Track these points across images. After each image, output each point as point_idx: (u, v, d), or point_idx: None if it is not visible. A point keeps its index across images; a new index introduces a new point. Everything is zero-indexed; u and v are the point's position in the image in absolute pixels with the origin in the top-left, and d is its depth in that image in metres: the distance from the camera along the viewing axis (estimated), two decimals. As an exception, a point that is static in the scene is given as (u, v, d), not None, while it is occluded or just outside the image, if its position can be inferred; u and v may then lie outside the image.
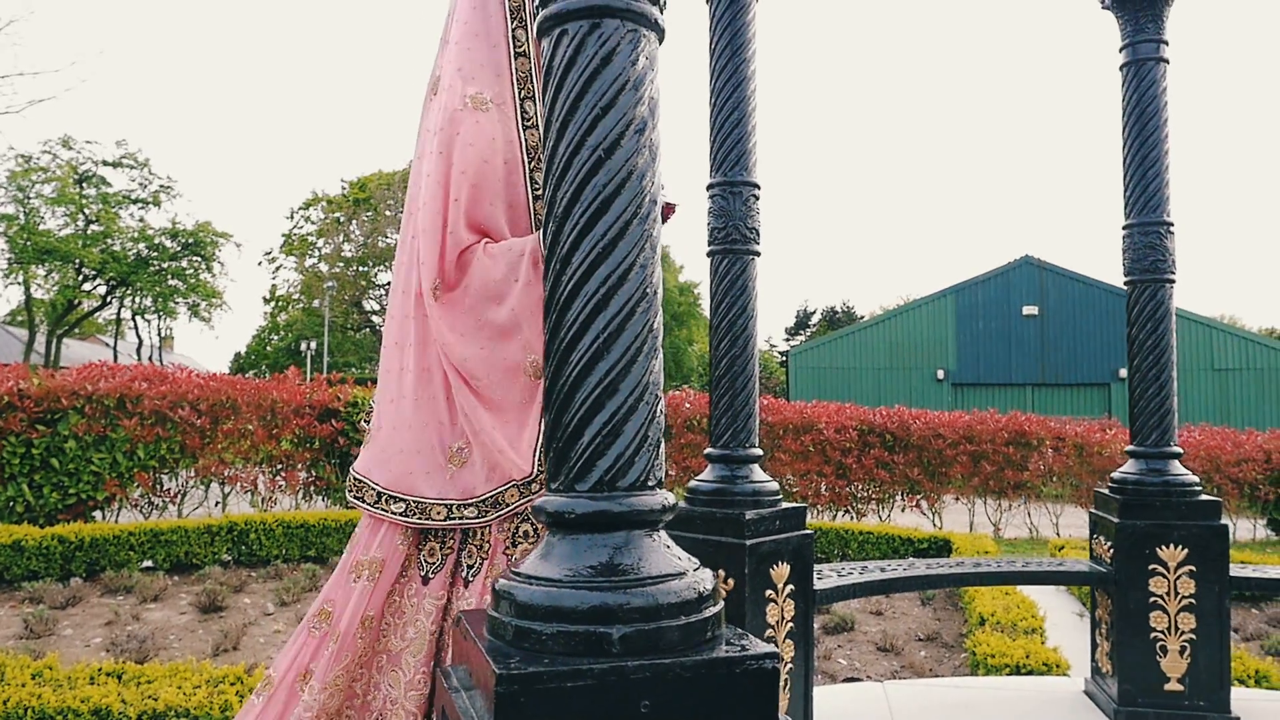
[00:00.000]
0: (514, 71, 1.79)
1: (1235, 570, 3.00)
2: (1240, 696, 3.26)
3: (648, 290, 1.09)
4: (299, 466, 8.72)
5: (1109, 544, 3.08)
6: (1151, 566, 2.98)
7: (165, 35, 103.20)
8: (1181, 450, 3.11)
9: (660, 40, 1.15)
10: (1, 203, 28.39)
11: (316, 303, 39.46)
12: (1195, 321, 27.93)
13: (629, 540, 1.05)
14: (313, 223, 41.05)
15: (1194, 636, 2.94)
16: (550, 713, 0.91)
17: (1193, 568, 2.96)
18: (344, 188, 40.59)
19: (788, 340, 60.18)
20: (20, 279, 29.83)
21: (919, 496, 10.73)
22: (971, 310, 28.61)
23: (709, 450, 2.63)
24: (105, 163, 30.71)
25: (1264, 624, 6.33)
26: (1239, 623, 6.23)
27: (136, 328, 37.72)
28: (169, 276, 32.52)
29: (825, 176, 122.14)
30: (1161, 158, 3.18)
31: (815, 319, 61.68)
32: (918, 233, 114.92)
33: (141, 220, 31.93)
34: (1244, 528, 11.84)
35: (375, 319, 41.94)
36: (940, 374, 28.58)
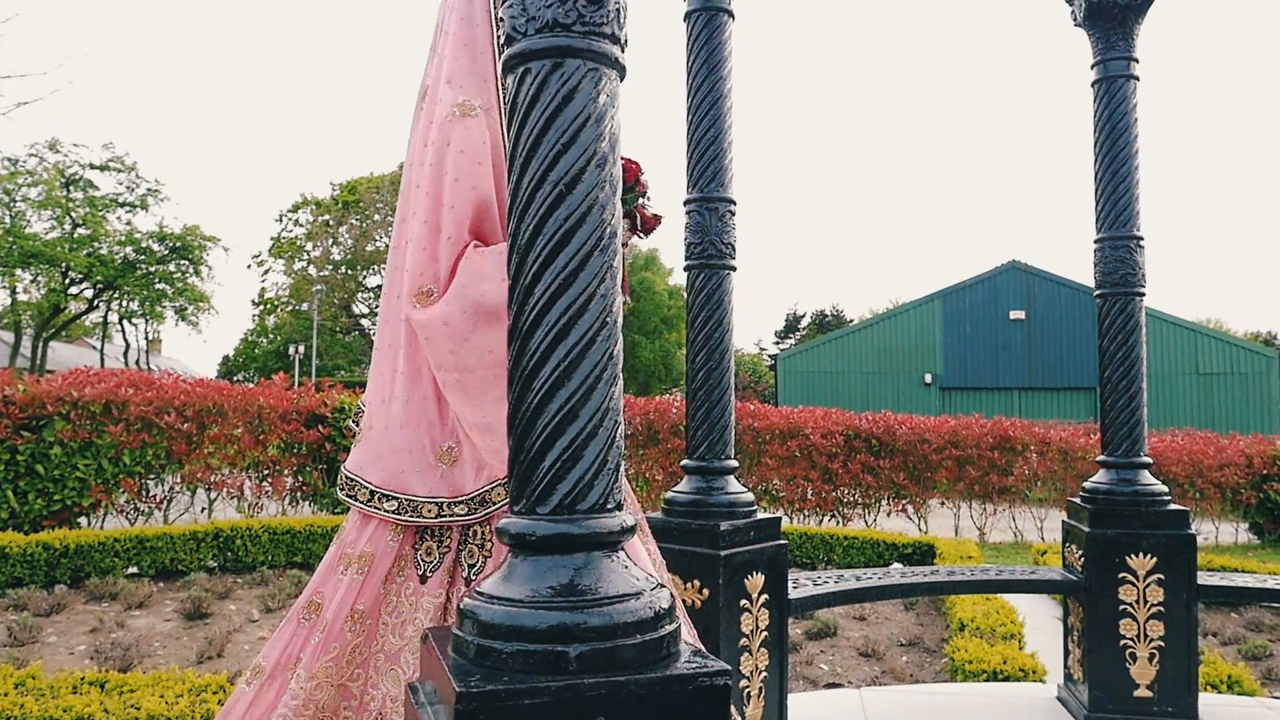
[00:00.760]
0: (499, 79, 1.83)
1: (1203, 579, 3.06)
2: (1209, 702, 3.32)
3: (608, 319, 1.13)
4: (285, 472, 8.73)
5: (1080, 552, 3.14)
6: (1121, 575, 3.04)
7: (154, 38, 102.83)
8: (1151, 460, 3.17)
9: (621, 78, 1.19)
10: (-13, 206, 28.27)
11: (305, 306, 39.35)
12: (1180, 326, 28.14)
13: (588, 561, 1.09)
14: (301, 226, 40.95)
15: (1163, 644, 3.00)
16: (509, 729, 0.95)
17: (1161, 576, 3.01)
18: (333, 191, 40.52)
19: (777, 343, 60.33)
20: (5, 282, 29.69)
21: (904, 501, 10.80)
22: (959, 314, 28.77)
23: (685, 462, 2.67)
24: (92, 166, 30.58)
25: (1242, 628, 6.40)
26: (1218, 627, 6.30)
27: (124, 331, 37.56)
28: (156, 280, 32.38)
29: (817, 179, 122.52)
30: (1132, 173, 3.24)
31: (805, 322, 61.85)
32: (908, 236, 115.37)
33: (129, 224, 31.81)
34: (1226, 531, 11.95)
35: (364, 322, 41.87)
36: (928, 378, 28.72)
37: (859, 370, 29.34)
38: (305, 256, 40.71)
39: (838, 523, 10.62)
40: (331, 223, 39.93)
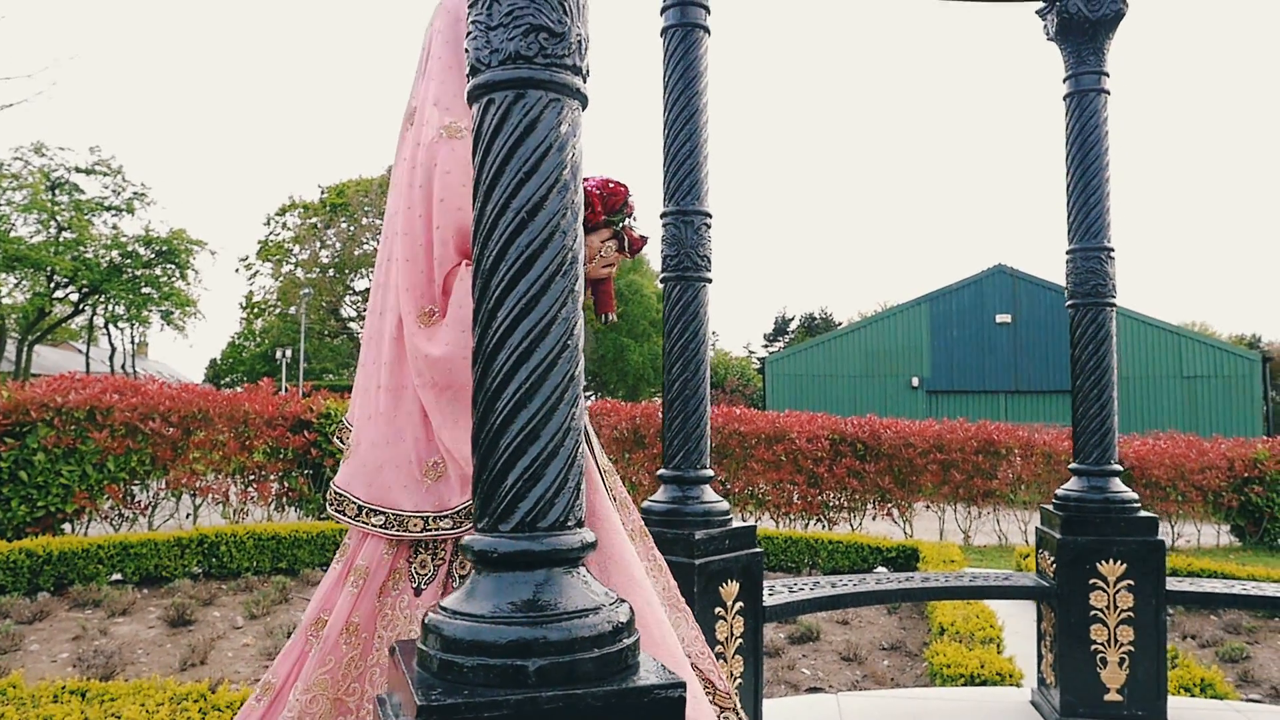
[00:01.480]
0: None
1: (1171, 584, 3.12)
2: (1179, 706, 3.37)
3: (569, 342, 1.16)
4: (271, 477, 8.72)
5: (1052, 559, 3.19)
6: (1092, 581, 3.09)
7: (140, 40, 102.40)
8: (1121, 468, 3.22)
9: (584, 107, 1.23)
10: (-29, 210, 28.10)
11: (293, 309, 39.25)
12: (1165, 330, 28.36)
13: (549, 578, 1.12)
14: (289, 229, 40.86)
15: (1132, 648, 3.05)
16: (469, 741, 0.99)
17: (1131, 582, 3.07)
18: (322, 194, 40.44)
19: (766, 346, 60.47)
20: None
21: (890, 505, 10.87)
22: (946, 318, 28.93)
23: (662, 471, 2.71)
24: (78, 169, 30.44)
25: (1221, 630, 6.47)
26: (1197, 629, 6.37)
27: (109, 335, 37.37)
28: (142, 284, 32.24)
29: (807, 182, 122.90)
30: (1103, 185, 3.30)
31: (794, 325, 62.01)
32: (896, 239, 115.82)
33: (115, 227, 31.68)
34: (1208, 533, 12.06)
35: (352, 325, 41.77)
36: (915, 381, 28.86)
37: (847, 373, 29.46)
38: (293, 260, 40.61)
39: (824, 526, 10.68)
40: (319, 226, 39.84)
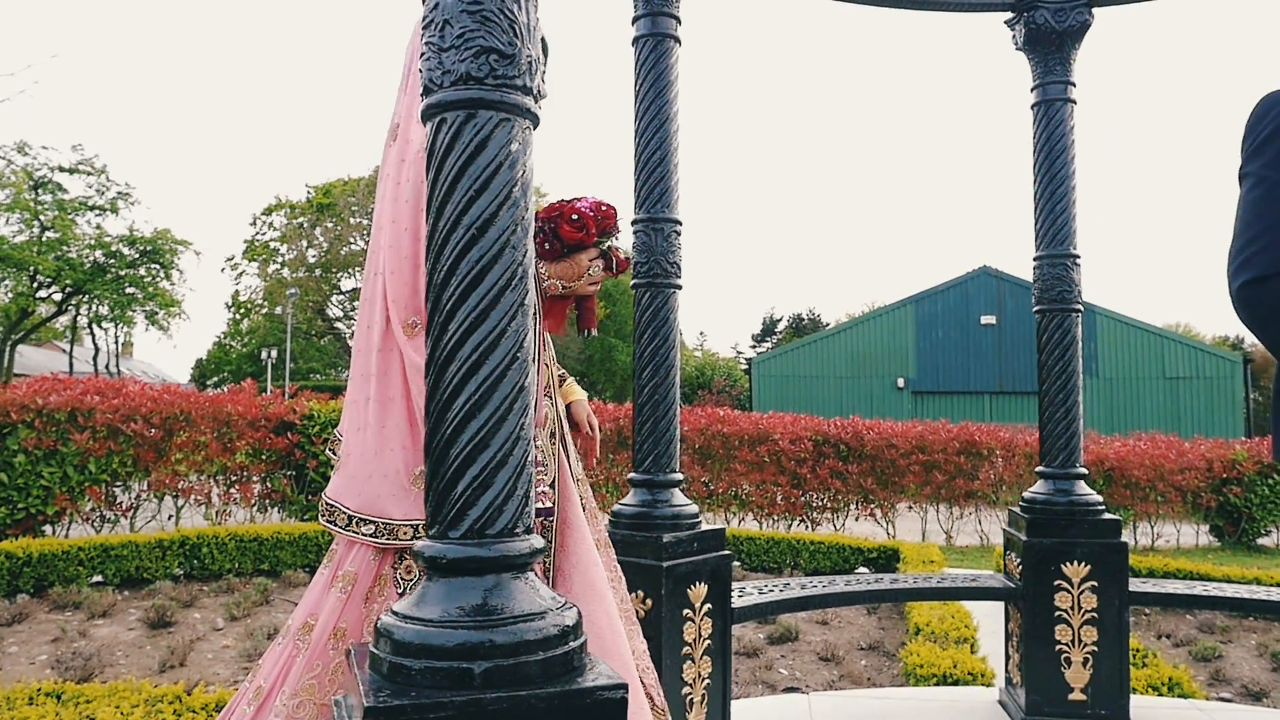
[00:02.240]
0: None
1: (1134, 585, 3.17)
2: (1143, 704, 3.43)
3: (518, 354, 1.20)
4: (254, 479, 8.72)
5: (1019, 560, 3.25)
6: (1057, 582, 3.15)
7: (124, 39, 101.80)
8: (1086, 471, 3.28)
9: (535, 126, 1.26)
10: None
11: (279, 309, 39.12)
12: (1148, 331, 28.59)
13: (498, 583, 1.16)
14: (276, 229, 40.71)
15: (1096, 648, 3.11)
16: (415, 741, 1.02)
17: (1095, 583, 3.12)
18: (308, 193, 40.31)
19: (754, 347, 60.56)
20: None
21: (873, 506, 10.94)
22: (931, 319, 29.08)
23: (632, 475, 2.75)
24: (61, 168, 30.23)
25: (1195, 630, 6.55)
26: (1172, 629, 6.44)
27: (93, 335, 37.16)
28: (126, 284, 32.07)
29: (796, 183, 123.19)
30: (1069, 193, 3.35)
31: (782, 326, 62.12)
32: (885, 241, 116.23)
33: (98, 227, 31.48)
34: (1188, 533, 12.18)
35: (339, 325, 41.66)
36: (901, 382, 29.00)
37: (833, 374, 29.58)
38: (279, 259, 40.47)
39: (807, 527, 10.74)
40: (306, 225, 39.71)
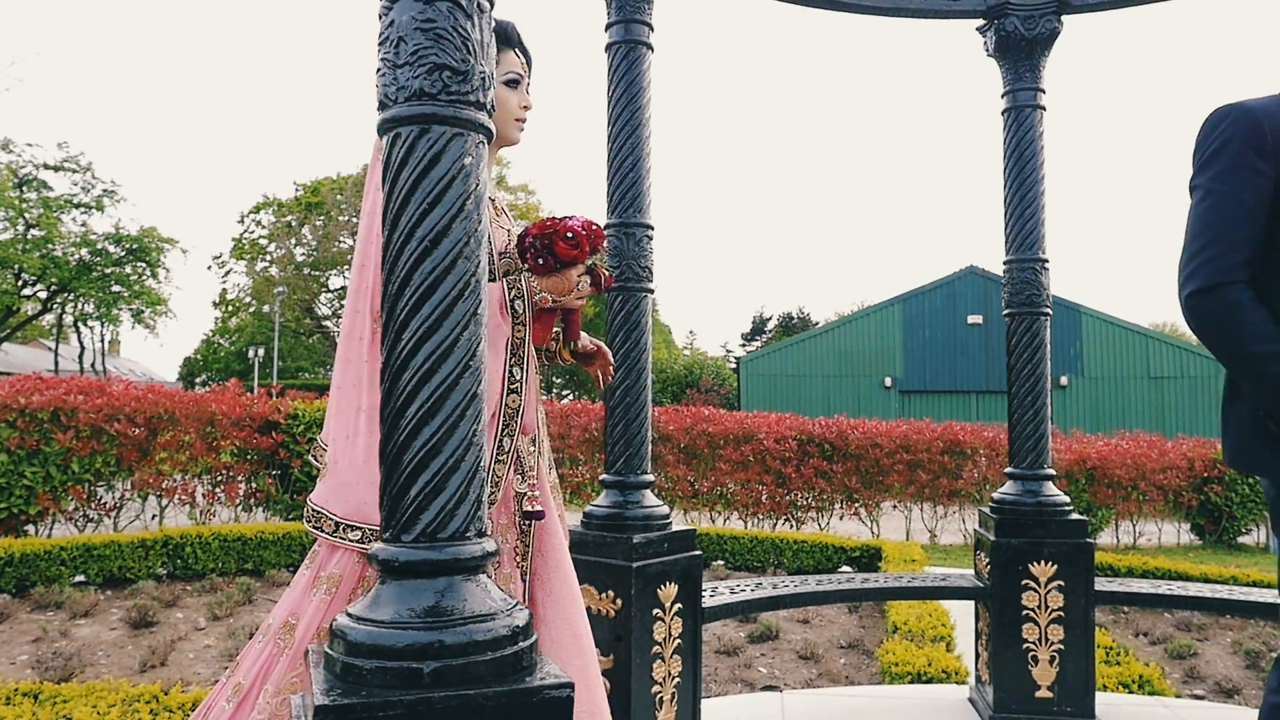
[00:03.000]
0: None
1: (1100, 585, 3.23)
2: (1109, 702, 3.49)
3: (471, 363, 1.23)
4: (239, 478, 8.72)
5: (987, 560, 3.29)
6: (1024, 581, 3.20)
7: (110, 37, 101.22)
8: (1054, 472, 3.33)
9: (489, 140, 1.30)
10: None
11: (267, 308, 39.01)
12: (1134, 331, 28.78)
13: (450, 585, 1.19)
14: (263, 227, 40.60)
15: (1062, 647, 3.16)
16: (364, 739, 1.06)
17: (1061, 582, 3.17)
18: (296, 191, 40.20)
19: (744, 346, 60.67)
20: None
21: (857, 504, 11.00)
22: (918, 319, 29.21)
23: (604, 476, 2.78)
24: (46, 166, 30.10)
25: (1172, 628, 6.62)
26: (1149, 627, 6.51)
27: (79, 333, 36.98)
28: (112, 282, 31.93)
29: (787, 182, 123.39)
30: (1038, 198, 3.40)
31: (771, 324, 62.23)
32: (875, 240, 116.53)
33: (84, 225, 31.34)
34: (1169, 532, 12.29)
35: (327, 324, 41.56)
36: (888, 381, 29.12)
37: (821, 373, 29.68)
38: (267, 257, 40.35)
39: (792, 526, 10.80)
40: (294, 224, 39.60)
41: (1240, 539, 11.66)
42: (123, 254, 31.94)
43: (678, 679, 2.67)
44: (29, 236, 29.60)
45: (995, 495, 3.40)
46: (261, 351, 37.70)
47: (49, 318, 36.38)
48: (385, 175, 1.26)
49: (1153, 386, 28.03)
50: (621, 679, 2.51)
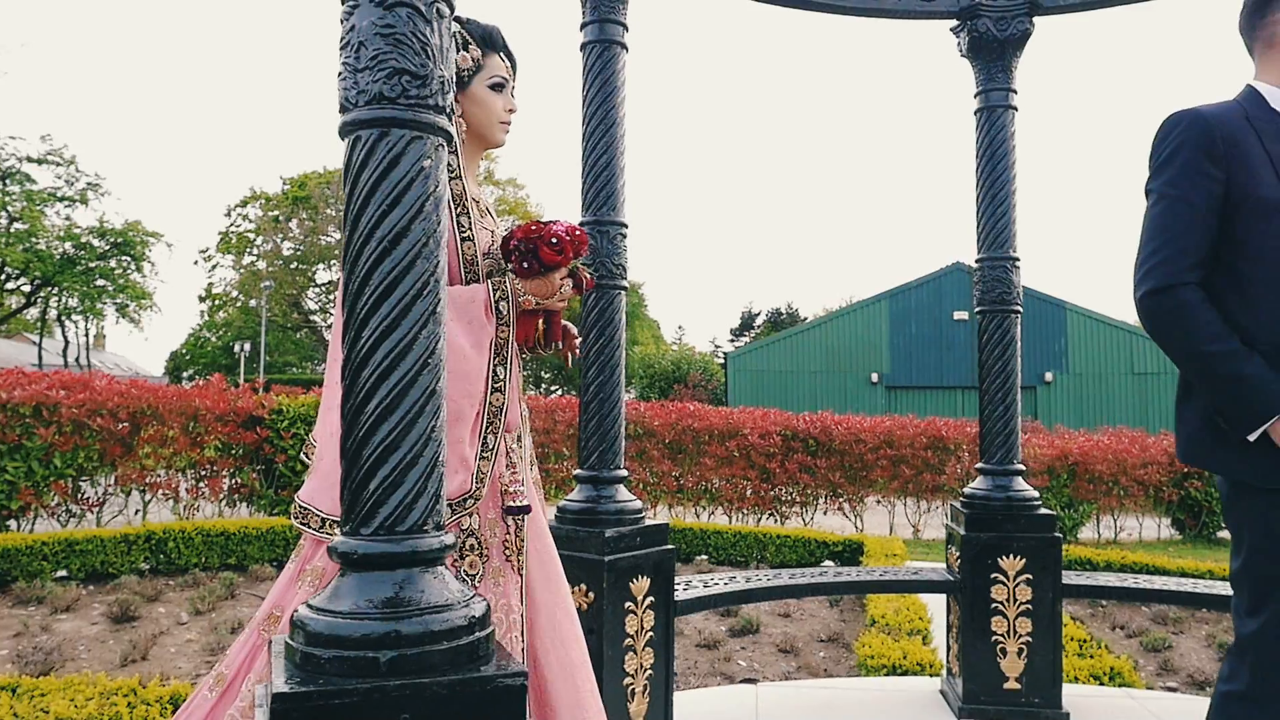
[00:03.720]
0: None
1: (1068, 578, 3.28)
2: (1076, 693, 3.54)
3: (430, 360, 1.26)
4: (222, 473, 8.72)
5: (958, 554, 3.34)
6: (994, 575, 3.25)
7: (95, 29, 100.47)
8: (1024, 468, 3.39)
9: (449, 143, 1.33)
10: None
11: (254, 302, 38.87)
12: (1118, 328, 28.98)
13: (408, 577, 1.22)
14: (250, 221, 40.42)
15: (1030, 639, 3.21)
16: (320, 726, 1.09)
17: (1030, 576, 3.23)
18: (283, 186, 40.03)
19: (732, 341, 60.77)
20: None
21: (841, 500, 11.07)
22: (904, 315, 29.34)
23: (578, 472, 2.81)
24: (29, 159, 29.88)
25: (1149, 621, 6.69)
26: (1126, 620, 6.59)
27: (64, 328, 36.76)
28: (96, 276, 31.75)
29: (776, 177, 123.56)
30: (1009, 197, 3.45)
31: (760, 320, 62.35)
32: (864, 236, 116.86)
33: (68, 219, 31.15)
34: (1150, 527, 12.41)
35: (314, 318, 41.44)
36: (874, 377, 29.25)
37: (808, 369, 29.78)
38: (254, 252, 40.19)
39: (776, 521, 10.86)
40: (281, 218, 39.45)
41: (1219, 534, 11.78)
42: (107, 248, 31.76)
43: (650, 671, 2.71)
44: (12, 230, 29.41)
45: (966, 490, 3.45)
46: (248, 346, 37.57)
47: (33, 312, 36.15)
48: (346, 177, 1.28)
49: (1137, 382, 28.24)
50: (594, 671, 2.54)
